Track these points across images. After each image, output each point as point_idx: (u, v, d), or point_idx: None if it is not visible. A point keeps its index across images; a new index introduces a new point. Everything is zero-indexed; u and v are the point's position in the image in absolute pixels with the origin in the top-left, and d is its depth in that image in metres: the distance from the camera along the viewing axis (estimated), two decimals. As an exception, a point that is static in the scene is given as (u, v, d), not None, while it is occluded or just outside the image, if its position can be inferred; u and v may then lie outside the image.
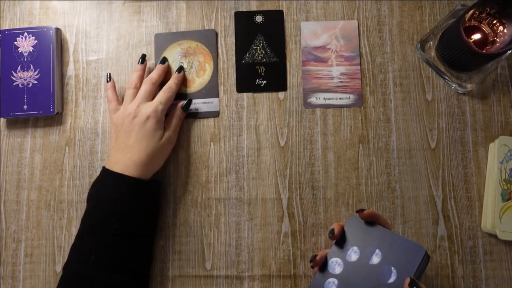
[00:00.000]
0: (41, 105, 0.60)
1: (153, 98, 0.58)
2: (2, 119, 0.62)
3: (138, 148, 0.54)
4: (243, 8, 0.64)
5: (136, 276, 0.54)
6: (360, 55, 0.62)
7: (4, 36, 0.62)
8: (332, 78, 0.62)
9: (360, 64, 0.62)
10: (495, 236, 0.55)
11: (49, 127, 0.62)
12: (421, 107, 0.60)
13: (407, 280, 0.37)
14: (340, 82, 0.61)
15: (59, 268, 0.58)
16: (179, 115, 0.60)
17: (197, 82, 0.62)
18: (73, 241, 0.53)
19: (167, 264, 0.58)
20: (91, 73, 0.63)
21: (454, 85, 0.60)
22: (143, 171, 0.54)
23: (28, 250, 0.59)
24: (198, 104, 0.62)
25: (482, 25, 0.58)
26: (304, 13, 0.63)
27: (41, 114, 0.61)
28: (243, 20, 0.63)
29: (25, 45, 0.62)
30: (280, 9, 0.64)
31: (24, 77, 0.61)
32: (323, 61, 0.62)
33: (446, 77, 0.60)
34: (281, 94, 0.62)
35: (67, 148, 0.61)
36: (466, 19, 0.57)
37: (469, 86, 0.60)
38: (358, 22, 0.63)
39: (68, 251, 0.53)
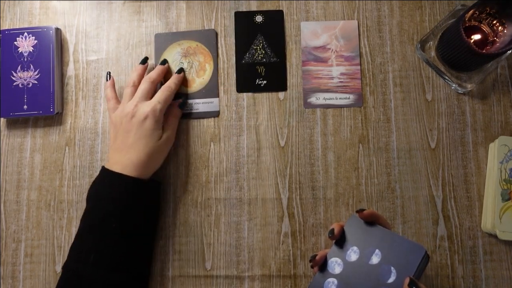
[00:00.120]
0: (41, 105, 0.60)
1: (151, 98, 0.58)
2: (2, 119, 0.62)
3: (137, 148, 0.54)
4: (243, 8, 0.64)
5: (136, 275, 0.54)
6: (360, 55, 0.62)
7: (4, 36, 0.62)
8: (332, 78, 0.62)
9: (360, 64, 0.62)
10: (495, 236, 0.55)
11: (49, 127, 0.62)
12: (421, 107, 0.60)
13: (407, 280, 0.37)
14: (340, 82, 0.61)
15: (59, 268, 0.58)
16: (176, 114, 0.60)
17: (197, 82, 0.62)
18: (72, 241, 0.53)
19: (167, 264, 0.58)
20: (91, 73, 0.63)
21: (454, 85, 0.60)
22: (142, 170, 0.54)
23: (28, 250, 0.59)
24: (198, 104, 0.62)
25: (482, 25, 0.58)
26: (304, 13, 0.63)
27: (41, 114, 0.61)
28: (243, 20, 0.63)
29: (25, 45, 0.62)
30: (280, 9, 0.64)
31: (24, 77, 0.61)
32: (323, 61, 0.62)
33: (446, 77, 0.60)
34: (281, 94, 0.62)
35: (67, 148, 0.61)
36: (466, 19, 0.57)
37: (469, 86, 0.60)
38: (358, 22, 0.63)
39: (68, 251, 0.53)
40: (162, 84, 0.60)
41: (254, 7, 0.64)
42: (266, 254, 0.58)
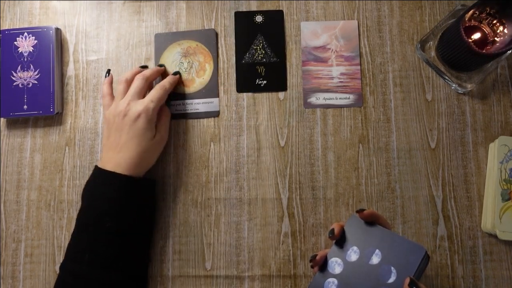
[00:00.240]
0: (41, 105, 0.60)
1: (144, 96, 0.57)
2: (2, 119, 0.62)
3: (130, 147, 0.53)
4: (243, 8, 0.64)
5: (132, 274, 0.53)
6: (360, 55, 0.62)
7: (4, 36, 0.62)
8: (332, 78, 0.62)
9: (360, 64, 0.62)
10: (495, 236, 0.55)
11: (49, 127, 0.62)
12: (421, 107, 0.60)
13: (407, 280, 0.37)
14: (340, 82, 0.61)
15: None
16: (167, 113, 0.59)
17: (197, 82, 0.62)
18: (68, 241, 0.53)
19: (167, 264, 0.58)
20: (91, 73, 0.63)
21: (454, 85, 0.60)
22: (135, 169, 0.53)
23: (28, 250, 0.59)
24: (198, 104, 0.62)
25: (482, 25, 0.58)
26: (304, 13, 0.63)
27: (41, 114, 0.61)
28: (243, 20, 0.63)
29: (25, 45, 0.62)
30: (280, 9, 0.64)
31: (24, 77, 0.61)
32: (323, 61, 0.62)
33: (446, 77, 0.60)
34: (281, 94, 0.62)
35: (67, 148, 0.61)
36: (466, 19, 0.57)
37: (469, 86, 0.60)
38: (358, 22, 0.63)
39: (65, 251, 0.53)
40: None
41: (254, 7, 0.64)
42: (266, 254, 0.58)
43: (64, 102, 0.63)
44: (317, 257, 0.43)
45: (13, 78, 0.61)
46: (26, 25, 0.65)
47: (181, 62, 0.63)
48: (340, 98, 0.61)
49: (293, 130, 0.61)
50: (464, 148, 0.59)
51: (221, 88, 0.62)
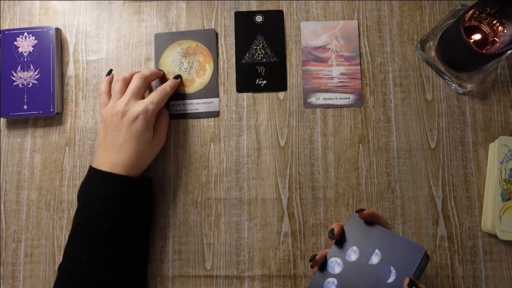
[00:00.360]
0: (41, 105, 0.60)
1: (143, 95, 0.57)
2: (2, 119, 0.62)
3: (127, 148, 0.53)
4: (243, 8, 0.64)
5: (130, 274, 0.53)
6: (360, 55, 0.62)
7: (4, 36, 0.62)
8: (332, 78, 0.62)
9: (360, 64, 0.62)
10: (495, 236, 0.55)
11: (49, 127, 0.62)
12: (421, 107, 0.60)
13: (406, 280, 0.37)
14: (340, 82, 0.61)
15: (59, 268, 0.58)
16: (166, 115, 0.59)
17: (197, 82, 0.62)
18: (66, 242, 0.53)
19: (167, 264, 0.58)
20: (91, 73, 0.63)
21: (454, 85, 0.60)
22: (131, 170, 0.53)
23: (28, 250, 0.59)
24: (198, 104, 0.62)
25: (482, 25, 0.58)
26: (304, 13, 0.63)
27: (41, 114, 0.61)
28: (243, 20, 0.63)
29: (25, 45, 0.62)
30: (280, 9, 0.64)
31: (24, 77, 0.61)
32: (323, 61, 0.62)
33: (446, 77, 0.60)
34: (281, 94, 0.62)
35: (67, 148, 0.61)
36: (466, 19, 0.57)
37: (469, 86, 0.60)
38: (358, 22, 0.63)
39: (63, 252, 0.53)
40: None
41: (254, 7, 0.64)
42: (266, 254, 0.58)
43: (64, 102, 0.63)
44: (317, 257, 0.43)
45: (13, 78, 0.61)
46: (26, 25, 0.65)
47: (181, 62, 0.63)
48: (340, 98, 0.61)
49: (293, 130, 0.61)
50: (464, 148, 0.59)
51: (221, 88, 0.62)
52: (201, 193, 0.59)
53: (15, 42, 0.62)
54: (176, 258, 0.58)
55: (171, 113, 0.61)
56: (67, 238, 0.53)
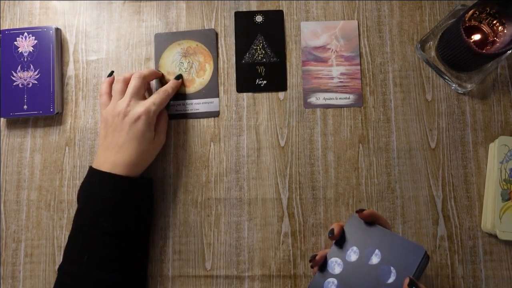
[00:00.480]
0: (41, 105, 0.60)
1: (143, 95, 0.57)
2: (2, 119, 0.62)
3: (128, 149, 0.53)
4: (243, 8, 0.64)
5: (130, 275, 0.53)
6: (360, 55, 0.62)
7: (4, 36, 0.62)
8: (332, 78, 0.62)
9: (360, 64, 0.62)
10: (495, 236, 0.55)
11: (49, 127, 0.62)
12: (421, 107, 0.60)
13: (406, 281, 0.37)
14: (340, 82, 0.61)
15: (59, 268, 0.58)
16: (165, 116, 0.59)
17: (197, 82, 0.62)
18: (66, 242, 0.53)
19: (167, 264, 0.58)
20: (91, 73, 0.63)
21: (454, 85, 0.60)
22: (132, 170, 0.53)
23: (28, 250, 0.59)
24: (198, 104, 0.62)
25: (482, 25, 0.58)
26: (304, 13, 0.63)
27: (41, 114, 0.61)
28: (243, 20, 0.63)
29: (25, 45, 0.62)
30: (280, 9, 0.64)
31: (24, 77, 0.61)
32: (323, 61, 0.62)
33: (446, 77, 0.60)
34: (281, 94, 0.62)
35: (67, 148, 0.61)
36: (466, 19, 0.57)
37: (469, 86, 0.60)
38: (358, 22, 0.63)
39: (63, 252, 0.53)
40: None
41: (254, 7, 0.64)
42: (266, 254, 0.58)
43: (64, 102, 0.63)
44: (317, 257, 0.43)
45: (13, 78, 0.61)
46: (26, 25, 0.65)
47: (181, 62, 0.63)
48: (340, 98, 0.61)
49: (293, 130, 0.61)
50: (464, 148, 0.59)
51: (221, 88, 0.62)
52: (201, 193, 0.59)
53: (15, 42, 0.62)
54: (176, 258, 0.58)
55: (171, 113, 0.61)
56: (67, 238, 0.53)
